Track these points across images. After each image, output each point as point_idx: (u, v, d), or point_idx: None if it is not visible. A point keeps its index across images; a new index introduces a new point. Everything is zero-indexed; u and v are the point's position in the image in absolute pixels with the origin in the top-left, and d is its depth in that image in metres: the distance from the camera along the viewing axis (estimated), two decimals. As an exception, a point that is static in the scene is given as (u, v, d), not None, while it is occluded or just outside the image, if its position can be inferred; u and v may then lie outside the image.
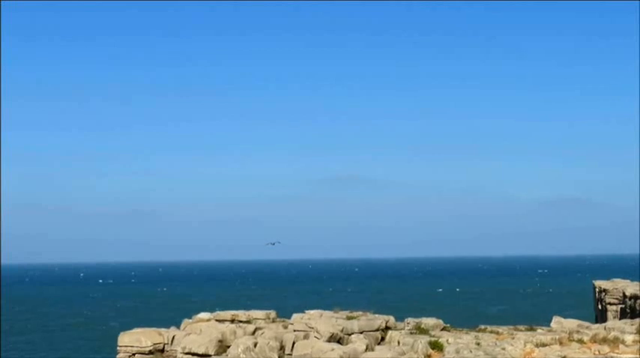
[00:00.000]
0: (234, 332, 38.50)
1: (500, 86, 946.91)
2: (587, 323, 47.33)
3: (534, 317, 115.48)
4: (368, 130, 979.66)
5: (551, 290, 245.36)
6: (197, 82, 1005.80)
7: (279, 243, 77.80)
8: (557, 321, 46.48)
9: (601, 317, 66.59)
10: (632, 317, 58.87)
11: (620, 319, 60.97)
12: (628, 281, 70.68)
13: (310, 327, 37.94)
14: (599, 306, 68.07)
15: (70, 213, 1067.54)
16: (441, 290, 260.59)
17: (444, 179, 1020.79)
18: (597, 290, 68.85)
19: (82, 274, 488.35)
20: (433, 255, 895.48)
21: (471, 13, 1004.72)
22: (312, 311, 41.15)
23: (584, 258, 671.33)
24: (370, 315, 41.29)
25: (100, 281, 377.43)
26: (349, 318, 40.42)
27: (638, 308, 61.15)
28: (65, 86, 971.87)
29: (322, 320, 38.67)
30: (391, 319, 40.76)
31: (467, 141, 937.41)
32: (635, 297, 61.80)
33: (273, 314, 41.93)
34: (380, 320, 40.47)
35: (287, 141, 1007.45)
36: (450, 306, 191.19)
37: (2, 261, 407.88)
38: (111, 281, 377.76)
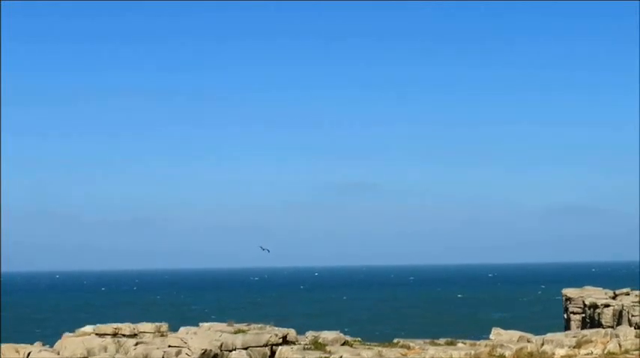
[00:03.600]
0: (105, 348, 35.39)
1: (505, 91, 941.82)
2: (529, 335, 44.30)
3: (529, 325, 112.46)
4: (374, 136, 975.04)
5: (558, 297, 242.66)
6: (201, 86, 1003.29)
7: (267, 251, 77.54)
8: (496, 333, 43.40)
9: (566, 326, 63.81)
10: (591, 327, 56.09)
11: (582, 329, 58.25)
12: (599, 289, 67.68)
13: (185, 343, 34.71)
14: (565, 315, 65.30)
15: (74, 220, 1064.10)
16: (460, 295, 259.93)
17: (450, 186, 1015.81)
18: (564, 298, 65.98)
19: (85, 282, 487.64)
20: (439, 262, 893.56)
21: (474, 18, 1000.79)
22: (206, 324, 37.97)
23: (590, 265, 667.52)
24: (269, 328, 38.00)
25: (103, 289, 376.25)
26: (237, 332, 37.08)
27: (596, 318, 58.19)
28: (64, 90, 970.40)
29: (199, 336, 35.43)
30: (291, 332, 37.39)
31: (472, 147, 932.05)
32: (594, 306, 58.78)
33: (164, 327, 38.75)
34: (270, 334, 37.11)
35: (292, 147, 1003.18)
36: (450, 313, 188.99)
37: (3, 269, 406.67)
38: (114, 288, 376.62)
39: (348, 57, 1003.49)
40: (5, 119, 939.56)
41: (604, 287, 69.75)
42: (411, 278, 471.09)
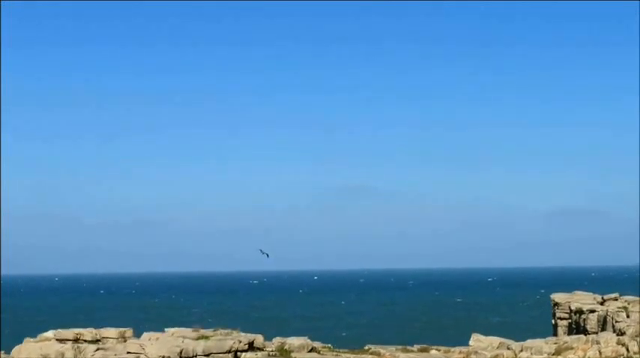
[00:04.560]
0: (63, 354, 34.49)
1: (505, 93, 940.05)
2: (509, 341, 43.44)
3: (526, 329, 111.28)
4: (374, 139, 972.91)
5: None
6: (202, 88, 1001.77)
7: (267, 255, 77.25)
8: (476, 339, 42.57)
9: (554, 332, 62.98)
10: (577, 333, 55.30)
11: (568, 334, 57.46)
12: (588, 294, 66.72)
13: (143, 349, 33.81)
14: (553, 321, 64.42)
15: (74, 222, 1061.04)
16: (459, 300, 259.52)
17: (450, 188, 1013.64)
18: (552, 303, 65.11)
19: (84, 284, 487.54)
20: (439, 266, 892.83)
21: (473, 20, 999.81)
22: (171, 329, 36.99)
23: (591, 270, 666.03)
24: (235, 334, 37.00)
25: (102, 291, 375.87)
26: (199, 338, 36.13)
27: (582, 323, 57.31)
28: (64, 92, 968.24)
29: (160, 342, 34.50)
30: (258, 338, 36.32)
31: (472, 149, 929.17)
32: (579, 312, 57.94)
33: (128, 332, 37.79)
34: (234, 340, 36.08)
35: (292, 150, 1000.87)
36: (449, 317, 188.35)
37: (3, 271, 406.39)
38: (113, 291, 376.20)
39: (348, 60, 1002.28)
40: (5, 120, 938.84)
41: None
42: (411, 282, 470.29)
